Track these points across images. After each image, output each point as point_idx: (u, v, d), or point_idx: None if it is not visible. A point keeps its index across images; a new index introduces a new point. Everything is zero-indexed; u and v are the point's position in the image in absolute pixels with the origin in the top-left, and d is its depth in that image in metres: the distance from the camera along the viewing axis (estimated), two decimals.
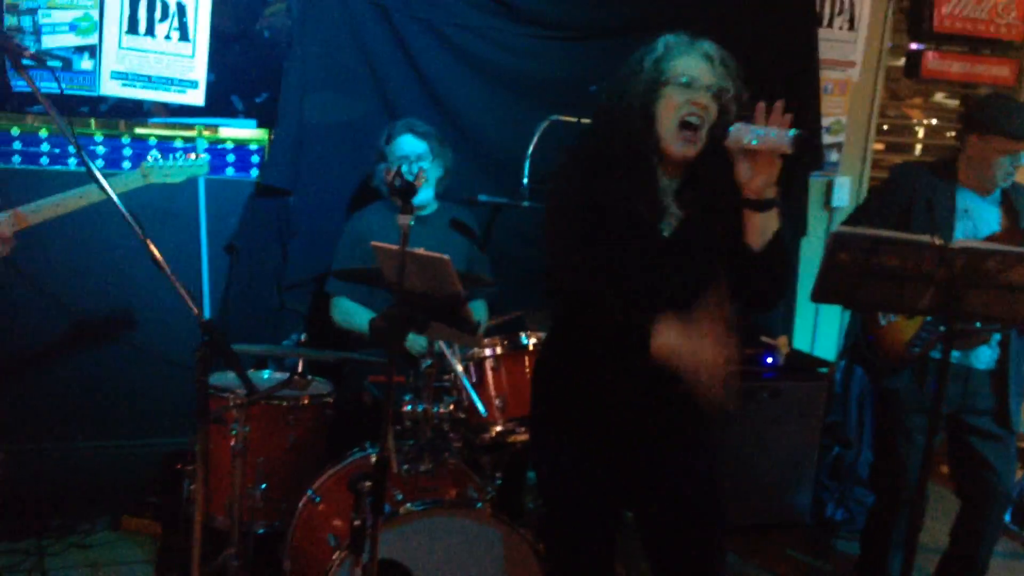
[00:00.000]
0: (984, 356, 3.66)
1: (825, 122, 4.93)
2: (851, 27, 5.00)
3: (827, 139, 4.97)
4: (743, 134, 2.32)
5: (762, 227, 2.40)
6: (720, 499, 2.62)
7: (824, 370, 4.65)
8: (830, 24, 4.96)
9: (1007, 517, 4.45)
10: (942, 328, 3.48)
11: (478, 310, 4.09)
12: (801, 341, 5.29)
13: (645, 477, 2.58)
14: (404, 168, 3.84)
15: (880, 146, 5.47)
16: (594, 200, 2.43)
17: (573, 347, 2.58)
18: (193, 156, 3.28)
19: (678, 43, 2.46)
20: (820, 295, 3.17)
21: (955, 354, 3.64)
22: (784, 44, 4.63)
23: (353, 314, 3.92)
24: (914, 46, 5.24)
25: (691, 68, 2.41)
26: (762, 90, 2.51)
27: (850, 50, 5.04)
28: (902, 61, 5.33)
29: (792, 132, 2.26)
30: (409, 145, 3.94)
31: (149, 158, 3.24)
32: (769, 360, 4.49)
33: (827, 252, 2.90)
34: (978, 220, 3.72)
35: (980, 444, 3.67)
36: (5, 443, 3.69)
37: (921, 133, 5.63)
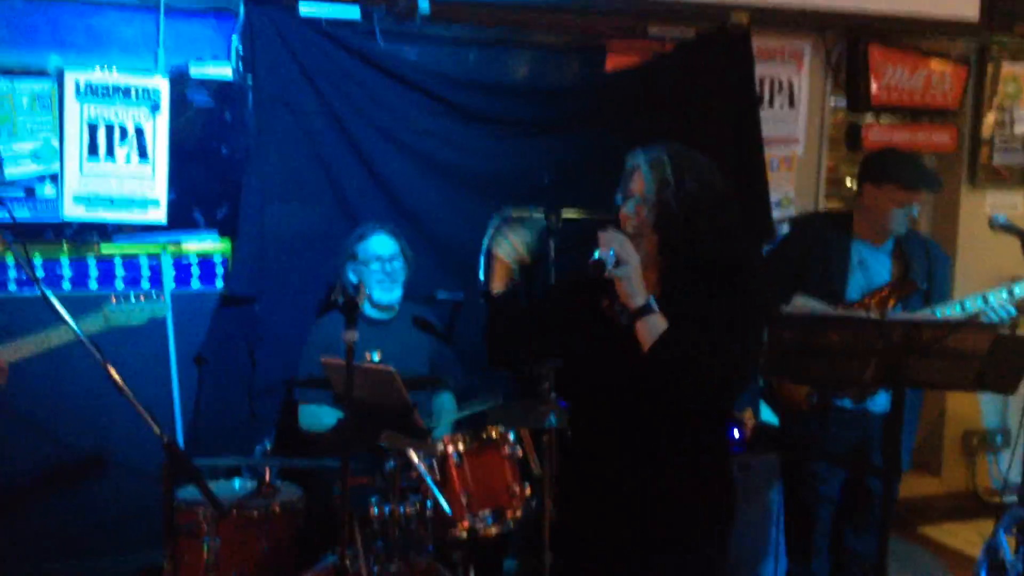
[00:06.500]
0: (881, 400, 3.80)
1: (774, 197, 5.05)
2: (791, 105, 5.18)
3: (777, 213, 5.08)
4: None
5: (645, 331, 2.62)
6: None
7: None
8: (771, 103, 5.13)
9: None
10: None
11: (446, 403, 4.14)
12: (767, 413, 5.33)
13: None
14: (377, 267, 3.94)
15: None
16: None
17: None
18: (154, 297, 3.38)
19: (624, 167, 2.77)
20: (769, 372, 3.27)
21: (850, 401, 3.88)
22: (728, 126, 4.78)
23: (319, 417, 3.95)
24: (855, 118, 5.41)
25: (626, 185, 2.73)
26: None
27: (792, 127, 5.20)
28: (844, 133, 5.50)
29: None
30: (383, 244, 4.02)
31: (113, 299, 3.32)
32: (735, 434, 4.55)
33: (771, 331, 3.01)
34: (871, 271, 3.85)
35: (872, 482, 3.94)
36: None
37: None
